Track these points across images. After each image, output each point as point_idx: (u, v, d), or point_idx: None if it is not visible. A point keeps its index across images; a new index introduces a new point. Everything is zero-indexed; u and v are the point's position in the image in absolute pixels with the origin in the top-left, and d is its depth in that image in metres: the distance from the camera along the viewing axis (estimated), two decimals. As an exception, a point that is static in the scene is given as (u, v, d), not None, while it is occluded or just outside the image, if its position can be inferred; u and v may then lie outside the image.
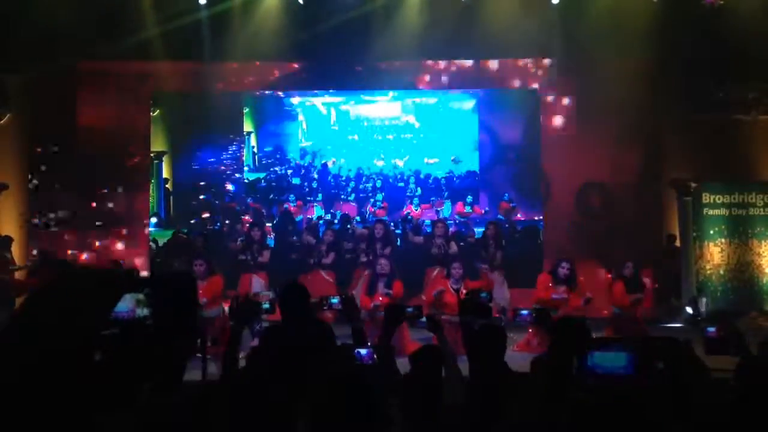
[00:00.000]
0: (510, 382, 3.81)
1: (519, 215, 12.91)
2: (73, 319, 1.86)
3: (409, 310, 4.50)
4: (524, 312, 5.20)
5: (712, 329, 4.30)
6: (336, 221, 12.67)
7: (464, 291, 8.67)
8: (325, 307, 4.92)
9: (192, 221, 12.80)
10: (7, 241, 11.23)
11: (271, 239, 11.94)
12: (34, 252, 11.83)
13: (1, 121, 12.47)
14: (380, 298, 9.14)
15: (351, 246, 11.31)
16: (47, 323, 1.83)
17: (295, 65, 12.82)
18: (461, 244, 11.31)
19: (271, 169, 13.25)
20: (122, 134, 12.66)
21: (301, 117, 13.19)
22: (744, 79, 12.23)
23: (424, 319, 4.76)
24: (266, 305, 4.78)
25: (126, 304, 2.71)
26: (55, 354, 1.78)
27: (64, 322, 1.84)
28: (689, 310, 10.89)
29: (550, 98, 12.75)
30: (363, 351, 4.15)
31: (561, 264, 9.33)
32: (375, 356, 4.13)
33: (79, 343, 1.87)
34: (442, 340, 4.13)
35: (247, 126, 13.21)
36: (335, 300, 4.81)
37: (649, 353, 3.49)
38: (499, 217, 12.72)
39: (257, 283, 10.07)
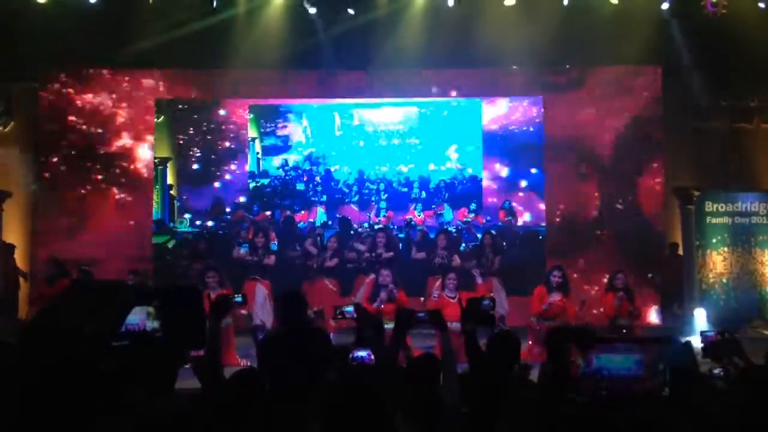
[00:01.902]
0: (515, 387, 3.82)
1: (519, 221, 12.86)
2: (84, 329, 1.88)
3: (421, 315, 4.44)
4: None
5: (710, 333, 4.39)
6: (330, 223, 12.74)
7: (465, 300, 8.64)
8: (339, 316, 4.97)
9: (195, 227, 12.83)
10: (10, 248, 11.26)
11: (274, 244, 11.95)
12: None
13: (5, 129, 12.51)
14: (382, 306, 9.14)
15: (354, 255, 11.33)
16: (59, 333, 1.85)
17: (300, 72, 12.86)
18: (462, 250, 11.31)
19: (275, 175, 13.25)
20: (126, 141, 12.71)
21: (305, 122, 13.21)
22: (746, 88, 12.25)
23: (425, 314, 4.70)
24: (239, 299, 4.82)
25: (137, 316, 2.74)
26: (65, 362, 1.80)
27: (75, 332, 1.86)
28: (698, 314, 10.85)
29: (552, 105, 12.76)
30: (363, 353, 4.14)
31: (552, 273, 9.41)
32: (373, 357, 4.12)
33: (89, 353, 1.89)
34: (445, 338, 4.08)
35: (252, 132, 13.24)
36: (350, 309, 4.85)
37: (651, 354, 3.50)
38: (500, 224, 12.71)
39: (260, 292, 10.06)
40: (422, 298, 10.62)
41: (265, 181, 13.25)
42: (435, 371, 3.80)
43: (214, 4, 11.58)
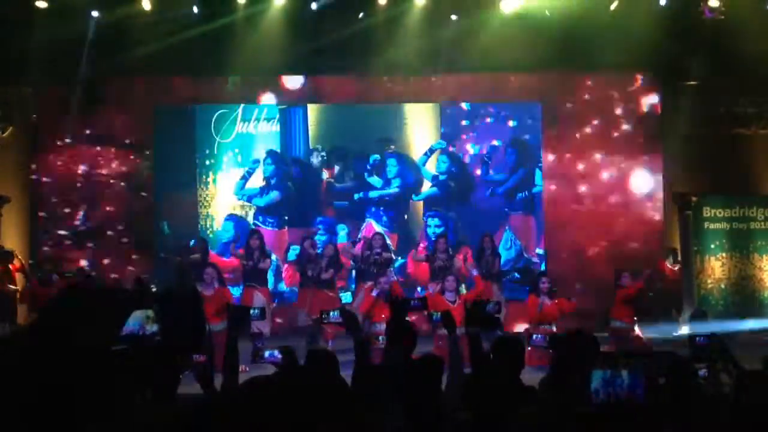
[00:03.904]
0: (519, 394, 3.81)
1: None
2: (84, 334, 1.88)
3: (414, 302, 4.46)
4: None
5: (702, 339, 4.48)
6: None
7: (468, 301, 8.62)
8: (325, 321, 4.93)
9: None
10: (8, 254, 11.22)
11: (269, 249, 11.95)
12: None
13: (3, 134, 12.50)
14: (382, 316, 9.10)
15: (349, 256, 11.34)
16: (59, 338, 1.85)
17: (295, 77, 12.88)
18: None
19: (274, 177, 13.20)
20: (124, 146, 12.70)
21: (301, 121, 13.22)
22: (744, 94, 12.28)
23: (438, 315, 4.69)
24: (256, 311, 4.88)
25: (135, 320, 2.75)
26: (64, 366, 1.81)
27: (75, 337, 1.86)
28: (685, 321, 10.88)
29: (550, 110, 12.78)
30: (273, 351, 4.10)
31: (541, 280, 9.72)
32: (281, 356, 4.07)
33: (89, 358, 1.90)
34: (453, 341, 4.06)
35: (250, 130, 13.22)
36: (335, 314, 4.80)
37: (651, 369, 3.51)
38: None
39: (258, 299, 10.07)
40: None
41: (262, 183, 13.21)
42: (438, 373, 3.76)
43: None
